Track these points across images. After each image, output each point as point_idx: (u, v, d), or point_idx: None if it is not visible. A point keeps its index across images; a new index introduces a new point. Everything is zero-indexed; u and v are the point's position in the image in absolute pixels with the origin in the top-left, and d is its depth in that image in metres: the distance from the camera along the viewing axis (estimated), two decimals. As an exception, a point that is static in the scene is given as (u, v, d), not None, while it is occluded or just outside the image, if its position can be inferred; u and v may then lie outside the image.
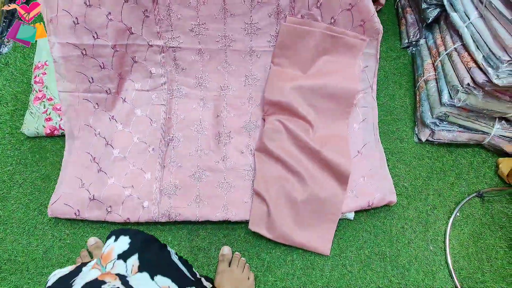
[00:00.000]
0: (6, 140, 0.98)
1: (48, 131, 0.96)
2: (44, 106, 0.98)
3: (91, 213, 0.87)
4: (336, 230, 0.89)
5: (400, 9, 1.20)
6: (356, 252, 0.89)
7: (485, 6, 0.83)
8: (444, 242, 0.90)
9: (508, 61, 0.78)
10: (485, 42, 0.84)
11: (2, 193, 0.93)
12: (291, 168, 0.90)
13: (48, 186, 0.93)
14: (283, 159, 0.90)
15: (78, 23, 0.86)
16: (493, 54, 0.81)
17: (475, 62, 0.86)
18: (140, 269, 0.53)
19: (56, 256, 0.87)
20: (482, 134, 0.96)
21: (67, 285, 0.51)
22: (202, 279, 0.69)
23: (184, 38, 0.95)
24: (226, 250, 0.86)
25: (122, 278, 0.50)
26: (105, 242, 0.59)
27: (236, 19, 0.93)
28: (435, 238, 0.91)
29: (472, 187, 0.97)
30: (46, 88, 1.00)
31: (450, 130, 0.97)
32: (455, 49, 0.93)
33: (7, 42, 1.10)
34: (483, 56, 0.84)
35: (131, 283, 0.50)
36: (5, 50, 1.08)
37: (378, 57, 0.99)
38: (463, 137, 0.97)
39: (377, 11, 1.18)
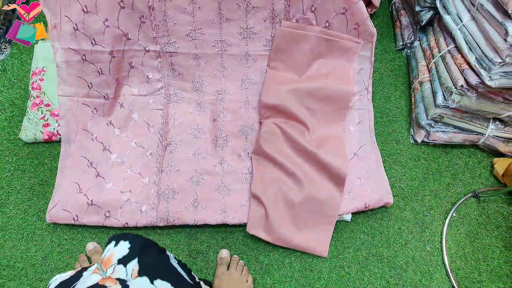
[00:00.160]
0: (4, 146, 0.98)
1: (46, 137, 0.97)
2: (42, 112, 0.99)
3: (90, 218, 0.87)
4: (333, 232, 0.89)
5: (394, 12, 1.21)
6: (354, 254, 0.89)
7: (476, 8, 0.84)
8: (441, 242, 0.91)
9: (500, 63, 0.79)
10: (477, 44, 0.85)
11: (1, 199, 0.93)
12: (288, 170, 0.91)
13: (46, 192, 0.94)
14: (280, 162, 0.91)
15: (77, 29, 0.87)
16: (486, 56, 0.82)
17: (468, 64, 0.87)
18: (140, 273, 0.54)
19: (55, 261, 0.87)
20: (476, 134, 0.97)
21: None
22: (201, 282, 0.69)
23: (180, 43, 0.96)
24: (224, 253, 0.87)
25: (123, 283, 0.50)
26: (105, 247, 0.59)
27: (231, 24, 0.94)
28: (431, 239, 0.91)
29: (467, 187, 0.98)
30: (44, 94, 1.00)
31: (445, 131, 0.98)
32: (449, 51, 0.94)
33: (4, 48, 1.10)
34: (476, 58, 0.85)
35: (131, 287, 0.50)
36: (2, 56, 1.08)
37: (373, 59, 1.00)
38: (458, 138, 0.98)
39: (372, 14, 1.19)
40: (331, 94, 0.96)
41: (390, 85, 1.12)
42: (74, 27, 0.86)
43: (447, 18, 0.94)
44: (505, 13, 0.76)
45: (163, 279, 0.55)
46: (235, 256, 0.87)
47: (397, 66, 1.15)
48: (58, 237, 0.89)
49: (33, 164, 0.97)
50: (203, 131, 0.98)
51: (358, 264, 0.88)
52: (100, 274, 0.54)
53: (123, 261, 0.55)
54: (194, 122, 0.99)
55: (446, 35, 0.97)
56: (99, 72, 0.93)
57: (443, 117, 0.95)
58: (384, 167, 0.98)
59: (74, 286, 0.53)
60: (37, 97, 1.00)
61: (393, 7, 1.22)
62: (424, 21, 1.05)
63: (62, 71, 0.91)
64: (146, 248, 0.59)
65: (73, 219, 0.87)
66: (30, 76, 1.03)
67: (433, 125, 0.98)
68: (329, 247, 0.89)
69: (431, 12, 1.03)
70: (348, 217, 0.91)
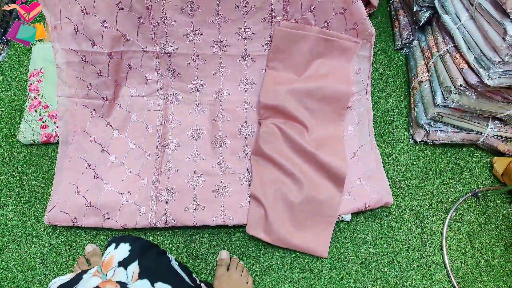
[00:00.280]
0: (2, 148, 0.98)
1: (44, 139, 0.96)
2: (40, 113, 0.98)
3: (88, 220, 0.87)
4: (333, 232, 0.89)
5: (393, 11, 1.21)
6: (354, 254, 0.89)
7: (475, 8, 0.84)
8: (441, 242, 0.90)
9: (499, 62, 0.79)
10: (476, 44, 0.85)
11: (-1, 202, 0.93)
12: (287, 171, 0.91)
13: (44, 194, 0.93)
14: (279, 162, 0.91)
15: (78, 30, 0.87)
16: (484, 55, 0.82)
17: (467, 63, 0.87)
18: (141, 276, 0.53)
19: (54, 264, 0.86)
20: (476, 134, 0.97)
21: None
22: (202, 284, 0.69)
23: (179, 43, 0.95)
24: (224, 254, 0.86)
25: (123, 286, 0.50)
26: (105, 249, 0.59)
27: (230, 24, 0.94)
28: (432, 238, 0.91)
29: (467, 186, 0.98)
30: (42, 95, 1.00)
31: (444, 131, 0.98)
32: (447, 50, 0.94)
33: (2, 50, 1.10)
34: (475, 57, 0.85)
35: None
36: (0, 58, 1.08)
37: (372, 59, 1.00)
38: (458, 137, 0.98)
39: (370, 14, 1.19)
40: (330, 94, 0.96)
41: (389, 85, 1.12)
42: (75, 28, 0.87)
43: (445, 17, 0.94)
44: (503, 12, 0.76)
45: (164, 281, 0.55)
46: (235, 257, 0.87)
47: (395, 66, 1.15)
48: (57, 239, 0.89)
49: (31, 166, 0.96)
50: (202, 132, 0.98)
51: (358, 265, 0.88)
52: (100, 277, 0.53)
53: (124, 263, 0.54)
54: (193, 123, 0.99)
55: (444, 35, 0.97)
56: (98, 73, 0.93)
57: (442, 116, 0.95)
58: (384, 167, 0.98)
59: None
60: (35, 98, 0.99)
61: (392, 6, 1.22)
62: (422, 21, 1.05)
63: (62, 72, 0.91)
64: (147, 250, 0.59)
65: (72, 221, 0.87)
66: (28, 77, 1.03)
67: (432, 124, 0.98)
68: (329, 247, 0.88)
69: (430, 12, 1.03)
70: (348, 217, 0.90)
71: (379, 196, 0.91)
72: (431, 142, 1.01)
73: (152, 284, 0.53)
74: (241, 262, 0.86)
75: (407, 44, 1.14)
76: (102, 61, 0.92)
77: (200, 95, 1.00)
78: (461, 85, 0.87)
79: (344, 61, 0.98)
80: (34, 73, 1.02)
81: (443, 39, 0.98)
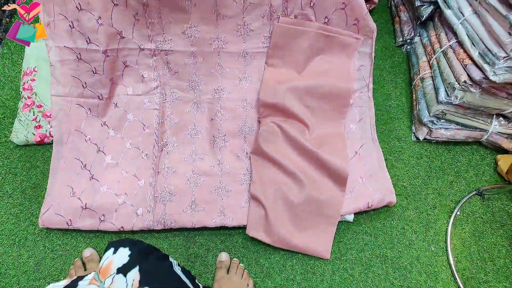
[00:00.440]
0: (-6, 149, 0.96)
1: (38, 139, 0.94)
2: (34, 113, 0.96)
3: (84, 222, 0.85)
4: (335, 233, 0.87)
5: (393, 7, 1.19)
6: (357, 255, 0.87)
7: (479, 2, 0.82)
8: (446, 242, 0.89)
9: (505, 57, 0.77)
10: (480, 39, 0.83)
11: (-9, 204, 0.90)
12: (288, 170, 0.89)
13: (39, 196, 0.91)
14: (279, 162, 0.89)
15: (73, 27, 0.85)
16: (489, 50, 0.80)
17: (471, 59, 0.85)
18: (141, 283, 0.51)
19: (48, 268, 0.84)
20: (480, 131, 0.95)
21: None
22: None
23: (176, 41, 0.93)
24: (224, 256, 0.84)
25: None
26: (103, 254, 0.56)
27: (228, 21, 0.92)
28: (436, 238, 0.89)
29: (471, 185, 0.96)
30: (35, 95, 0.97)
31: (447, 128, 0.96)
32: (450, 46, 0.92)
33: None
34: (479, 53, 0.83)
35: None
36: (-8, 57, 1.05)
37: (373, 55, 0.98)
38: (461, 134, 0.96)
39: (371, 10, 1.17)
40: (331, 91, 0.94)
41: (390, 82, 1.10)
42: (70, 25, 0.85)
43: (448, 12, 0.92)
44: (509, 6, 0.75)
45: None
46: (235, 259, 0.85)
47: (397, 63, 1.13)
48: (51, 243, 0.86)
49: (25, 167, 0.94)
50: (200, 131, 0.96)
51: (362, 266, 0.86)
52: (97, 285, 0.50)
53: (123, 270, 0.51)
54: (191, 122, 0.97)
55: (447, 30, 0.95)
56: (93, 72, 0.90)
57: (445, 113, 0.93)
58: (386, 165, 0.96)
59: None
60: (29, 98, 0.97)
61: (392, 2, 1.20)
62: (424, 16, 1.03)
63: (56, 70, 0.89)
64: (148, 255, 0.56)
65: (67, 223, 0.84)
66: (21, 76, 1.00)
67: (435, 122, 0.96)
68: (331, 248, 0.86)
69: (432, 7, 1.01)
70: (350, 218, 0.89)
71: (382, 195, 0.89)
72: (434, 140, 0.99)
73: None
74: (241, 264, 0.84)
75: (408, 41, 1.12)
76: (97, 59, 0.89)
77: (198, 93, 0.98)
78: (465, 82, 0.85)
79: (345, 58, 0.96)
80: (28, 72, 1.00)
81: (446, 34, 0.96)
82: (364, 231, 0.89)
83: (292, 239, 0.84)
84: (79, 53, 0.88)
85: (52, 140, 0.93)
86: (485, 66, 0.80)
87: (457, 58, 0.89)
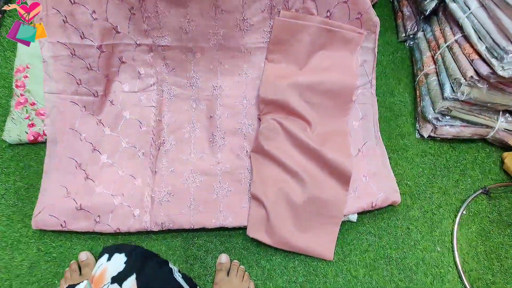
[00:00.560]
0: (-14, 149, 0.93)
1: (32, 138, 0.91)
2: (27, 111, 0.93)
3: (79, 223, 0.82)
4: (338, 234, 0.85)
5: (395, 2, 1.17)
6: (361, 256, 0.85)
7: (486, -6, 0.80)
8: (452, 242, 0.86)
9: (514, 51, 0.74)
10: (487, 33, 0.81)
11: (-17, 205, 0.87)
12: (289, 169, 0.86)
13: (32, 196, 0.88)
14: (280, 160, 0.86)
15: (67, 22, 0.82)
16: (497, 44, 0.78)
17: (478, 53, 0.83)
18: None
19: (42, 271, 0.82)
20: (486, 128, 0.93)
21: None
22: None
23: (173, 36, 0.90)
24: (223, 258, 0.82)
25: None
26: (97, 260, 0.52)
27: (227, 16, 0.89)
28: (442, 239, 0.87)
29: (477, 183, 0.94)
30: (29, 92, 0.94)
31: (453, 125, 0.94)
32: (456, 41, 0.90)
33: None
34: (486, 47, 0.81)
35: None
36: (-16, 54, 1.02)
37: (376, 51, 0.95)
38: (467, 132, 0.94)
39: (372, 5, 1.14)
40: (333, 87, 0.91)
41: (393, 78, 1.07)
42: (63, 20, 0.82)
43: (453, 6, 0.90)
44: (518, -3, 0.72)
45: None
46: (235, 261, 0.83)
47: (399, 59, 1.11)
48: (45, 245, 0.84)
49: (18, 167, 0.91)
50: (198, 129, 0.94)
51: (366, 267, 0.83)
52: None
53: (118, 279, 0.48)
54: (189, 119, 0.94)
55: (452, 24, 0.93)
56: (88, 68, 0.88)
57: (451, 110, 0.91)
58: (390, 163, 0.94)
59: None
60: (21, 95, 0.94)
61: (395, -3, 1.17)
62: (428, 11, 1.00)
63: (49, 67, 0.86)
64: (146, 262, 0.52)
65: (61, 225, 0.82)
66: (14, 73, 0.97)
67: (440, 119, 0.94)
68: (335, 249, 0.84)
69: (436, 1, 0.99)
70: (354, 218, 0.86)
71: (386, 194, 0.87)
72: (438, 137, 0.97)
73: None
74: (242, 267, 0.82)
75: (411, 36, 1.10)
76: (92, 55, 0.87)
77: (196, 90, 0.95)
78: (471, 77, 0.83)
79: (347, 53, 0.94)
80: (20, 69, 0.97)
81: (451, 29, 0.93)
82: (368, 232, 0.87)
83: (294, 240, 0.82)
84: (73, 49, 0.85)
85: (45, 139, 0.90)
86: (493, 61, 0.78)
87: (463, 53, 0.87)
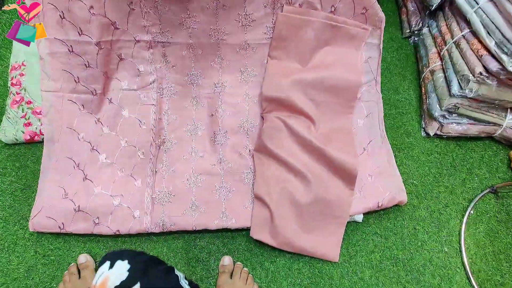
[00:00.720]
0: (-19, 149, 0.90)
1: (28, 137, 0.89)
2: (23, 110, 0.91)
3: (77, 226, 0.80)
4: (344, 234, 0.83)
5: (400, -2, 1.15)
6: (367, 257, 0.83)
7: (496, -12, 0.78)
8: (459, 242, 0.85)
9: (525, 46, 0.72)
10: (497, 27, 0.79)
11: (-22, 207, 0.85)
12: (293, 168, 0.84)
13: (29, 197, 0.86)
14: (284, 159, 0.84)
15: (64, 18, 0.80)
16: (507, 39, 0.76)
17: (487, 49, 0.81)
18: None
19: (40, 274, 0.80)
20: (493, 126, 0.91)
21: None
22: None
23: (173, 32, 0.88)
24: (226, 260, 0.80)
25: None
26: (98, 266, 0.49)
27: (229, 11, 0.87)
28: (449, 239, 0.85)
29: (485, 182, 0.92)
30: (24, 90, 0.92)
31: (460, 123, 0.92)
32: (463, 36, 0.88)
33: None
34: (496, 43, 0.79)
35: None
36: (-21, 51, 1.00)
37: (381, 47, 0.93)
38: (474, 129, 0.92)
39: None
40: (337, 84, 0.89)
41: (397, 75, 1.06)
42: (60, 15, 0.80)
43: (460, 0, 0.88)
44: (530, -9, 0.70)
45: None
46: (238, 263, 0.81)
47: (404, 55, 1.09)
48: (43, 247, 0.82)
49: (14, 167, 0.89)
50: (200, 128, 0.92)
51: (372, 269, 0.82)
52: None
53: None
54: (190, 118, 0.92)
55: (459, 20, 0.91)
56: (86, 65, 0.85)
57: (458, 107, 0.89)
58: (395, 162, 0.92)
59: None
60: (17, 94, 0.92)
61: (399, -8, 1.15)
62: (434, 6, 0.98)
63: (46, 64, 0.84)
64: (150, 269, 0.49)
65: (59, 227, 0.79)
66: (9, 71, 0.95)
67: (447, 116, 0.92)
68: (340, 250, 0.82)
69: (442, -4, 0.97)
70: (359, 218, 0.84)
71: (393, 194, 0.85)
72: (444, 135, 0.95)
73: None
74: (245, 269, 0.81)
75: (416, 32, 1.08)
76: (90, 52, 0.84)
77: (197, 87, 0.93)
78: (480, 73, 0.81)
79: (352, 49, 0.92)
80: (16, 66, 0.94)
81: (458, 24, 0.91)
82: (374, 232, 0.85)
83: (299, 241, 0.81)
84: (71, 45, 0.83)
85: (42, 139, 0.88)
86: (503, 56, 0.76)
87: (471, 49, 0.85)
